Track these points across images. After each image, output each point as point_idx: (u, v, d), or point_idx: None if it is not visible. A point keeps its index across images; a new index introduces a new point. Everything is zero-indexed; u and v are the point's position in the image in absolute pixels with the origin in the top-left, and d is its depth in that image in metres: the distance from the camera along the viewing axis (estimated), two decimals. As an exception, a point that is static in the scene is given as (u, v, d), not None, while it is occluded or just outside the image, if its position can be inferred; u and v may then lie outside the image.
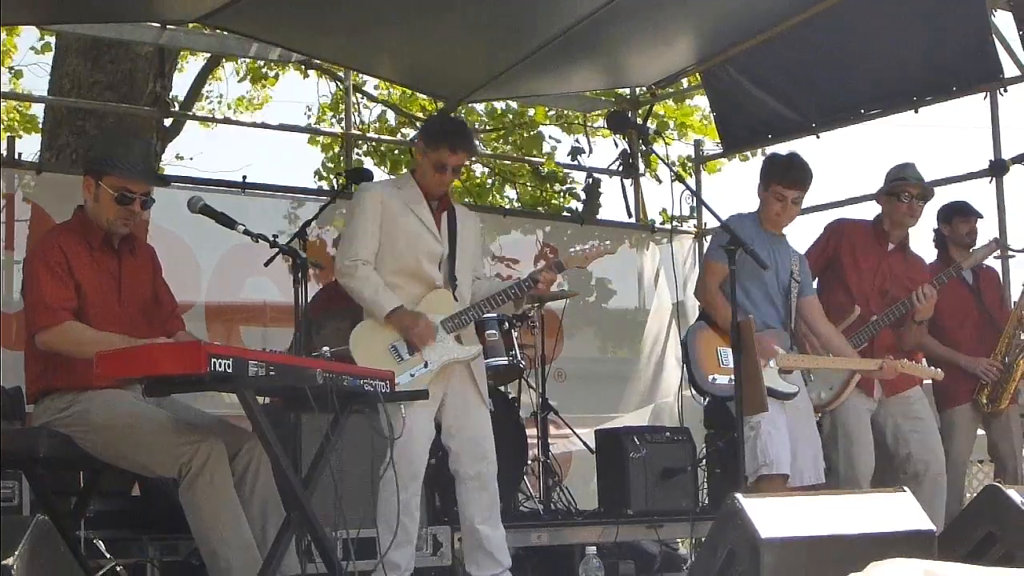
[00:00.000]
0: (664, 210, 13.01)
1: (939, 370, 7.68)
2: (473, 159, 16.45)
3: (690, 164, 13.36)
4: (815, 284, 7.86)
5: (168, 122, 13.50)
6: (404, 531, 6.45)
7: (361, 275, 6.65)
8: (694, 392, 7.41)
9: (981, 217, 8.79)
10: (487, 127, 16.50)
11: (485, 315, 7.01)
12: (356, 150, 12.70)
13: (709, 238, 7.84)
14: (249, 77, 16.62)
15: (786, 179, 7.42)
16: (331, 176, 16.90)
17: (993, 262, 9.20)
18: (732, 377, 6.54)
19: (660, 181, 12.94)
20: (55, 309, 5.71)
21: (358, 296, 6.70)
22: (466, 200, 14.34)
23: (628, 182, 12.49)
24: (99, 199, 5.93)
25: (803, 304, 7.51)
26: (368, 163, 15.63)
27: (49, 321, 5.71)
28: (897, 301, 7.92)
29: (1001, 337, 8.47)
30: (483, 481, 6.81)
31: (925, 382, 8.42)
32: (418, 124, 15.39)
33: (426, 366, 6.63)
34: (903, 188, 8.06)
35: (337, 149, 16.51)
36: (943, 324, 8.45)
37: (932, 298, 7.81)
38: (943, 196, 9.16)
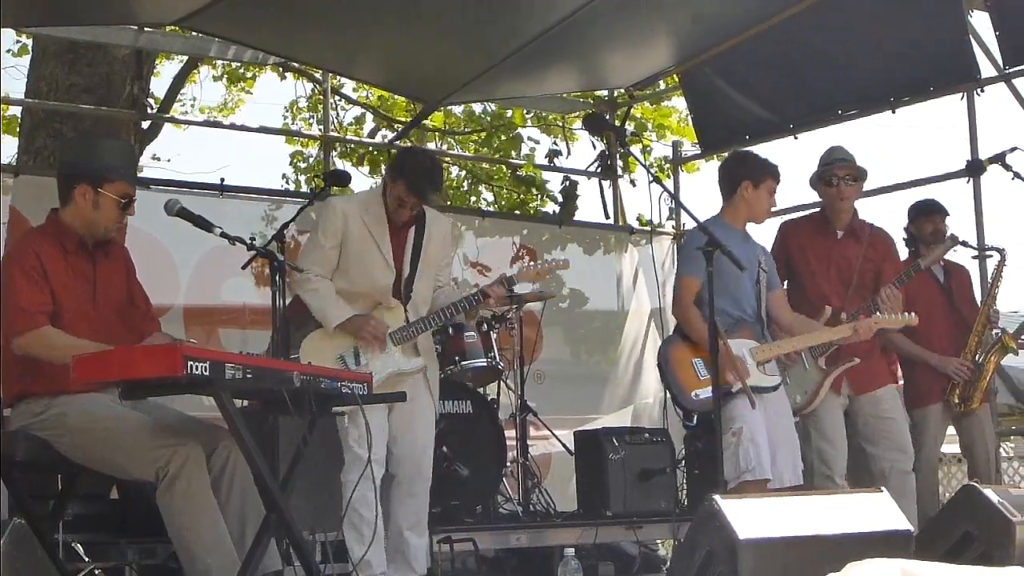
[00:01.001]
0: (641, 215, 13.03)
1: (913, 315, 7.64)
2: (449, 160, 16.49)
3: (668, 165, 13.38)
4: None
5: (146, 125, 13.45)
6: (369, 527, 6.51)
7: (312, 286, 6.75)
8: (680, 413, 7.40)
9: (946, 215, 8.78)
10: (465, 129, 16.51)
11: (433, 327, 7.02)
12: (332, 152, 12.66)
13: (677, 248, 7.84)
14: (226, 78, 16.60)
15: (776, 173, 7.57)
16: (299, 178, 16.95)
17: (969, 262, 9.24)
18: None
19: (635, 185, 12.92)
20: (32, 313, 5.70)
21: (308, 304, 6.78)
22: (445, 203, 14.32)
23: (607, 184, 12.49)
24: (99, 206, 5.92)
25: (771, 299, 7.54)
26: (346, 165, 15.60)
27: (25, 326, 5.70)
28: (863, 288, 7.94)
29: (971, 336, 8.49)
30: (415, 489, 6.91)
31: (904, 381, 8.46)
32: (396, 127, 15.39)
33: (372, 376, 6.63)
34: (831, 173, 8.04)
35: (315, 151, 16.54)
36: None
37: (896, 298, 7.81)
38: (920, 196, 9.19)
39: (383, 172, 6.91)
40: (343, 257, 6.79)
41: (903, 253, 8.60)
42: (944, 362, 8.44)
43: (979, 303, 8.74)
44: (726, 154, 9.19)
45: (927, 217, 8.74)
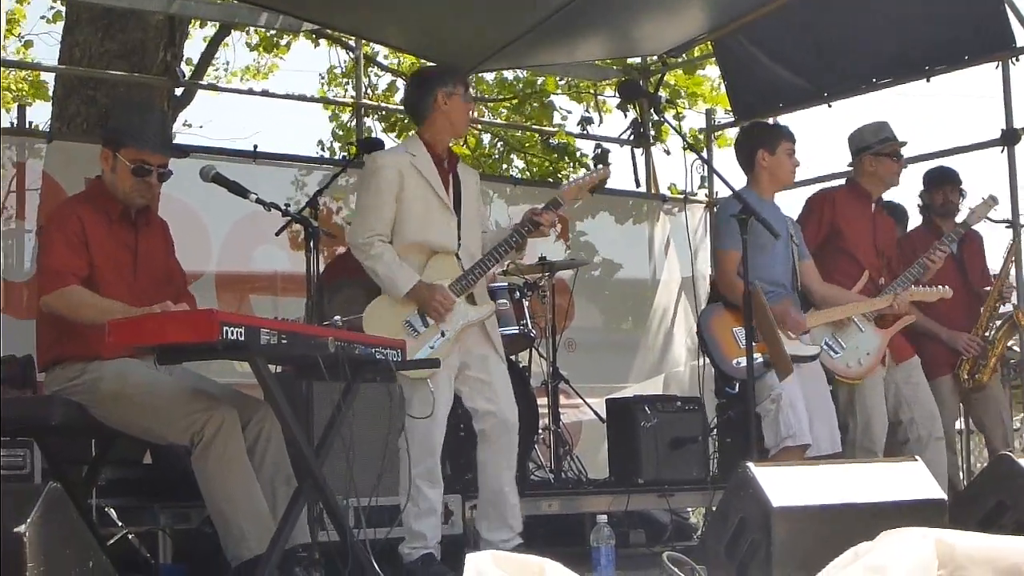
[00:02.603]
0: (673, 185, 12.99)
1: (947, 288, 7.65)
2: (480, 128, 16.45)
3: (701, 134, 13.35)
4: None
5: (179, 91, 13.46)
6: (426, 501, 6.46)
7: (376, 252, 6.52)
8: (719, 381, 7.41)
9: (959, 184, 8.78)
10: (497, 96, 16.48)
11: (489, 269, 6.87)
12: (366, 119, 12.67)
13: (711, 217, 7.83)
14: (262, 45, 16.60)
15: (788, 134, 7.61)
16: (334, 146, 16.95)
17: (1003, 231, 9.20)
18: (756, 356, 6.56)
19: (669, 152, 12.90)
20: (62, 273, 5.72)
21: (372, 272, 6.58)
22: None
23: (639, 152, 12.46)
24: (116, 170, 5.93)
25: (802, 268, 7.53)
26: (377, 131, 15.59)
27: (54, 284, 5.72)
28: (886, 258, 7.92)
29: (983, 311, 8.46)
30: (503, 444, 6.74)
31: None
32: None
33: (443, 335, 6.56)
34: (893, 148, 8.03)
35: (347, 117, 16.53)
36: None
37: (943, 258, 7.87)
38: (955, 165, 9.16)
39: (426, 101, 6.69)
40: (400, 211, 6.59)
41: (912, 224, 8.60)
42: (954, 337, 8.45)
43: (994, 275, 8.72)
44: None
45: (938, 187, 8.75)
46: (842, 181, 8.55)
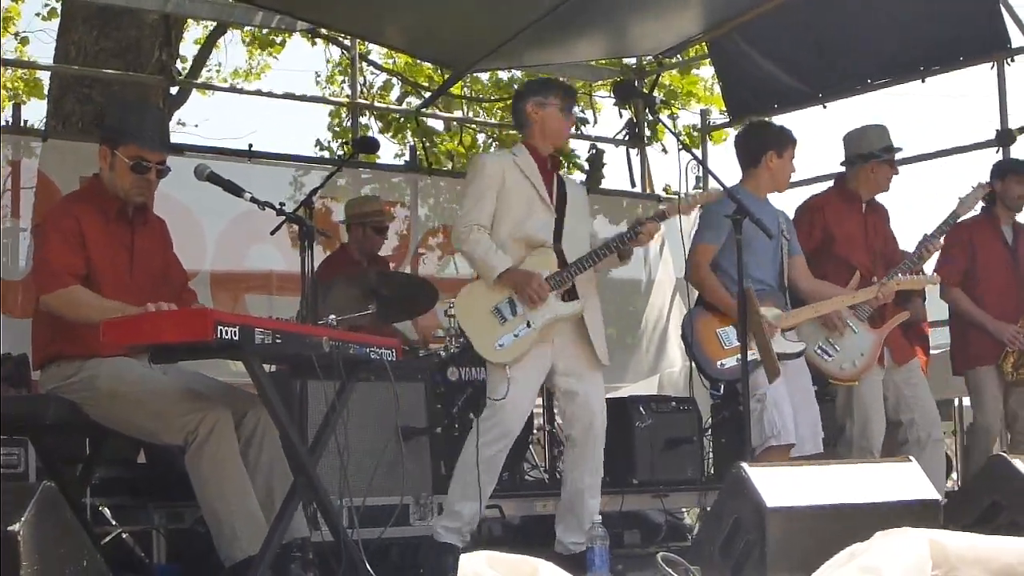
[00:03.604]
0: (668, 186, 13.00)
1: (934, 275, 7.62)
2: (475, 127, 16.46)
3: (695, 134, 13.35)
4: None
5: (174, 90, 13.46)
6: (479, 488, 6.52)
7: (474, 238, 6.64)
8: (705, 382, 7.40)
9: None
10: (491, 97, 16.48)
11: (587, 268, 6.83)
12: (361, 118, 12.68)
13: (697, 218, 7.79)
14: (256, 44, 16.59)
15: (795, 140, 7.56)
16: (331, 144, 16.95)
17: None
18: (740, 356, 6.55)
19: (666, 151, 12.91)
20: (60, 273, 5.70)
21: (470, 258, 6.75)
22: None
23: (634, 152, 12.47)
24: (115, 168, 5.92)
25: (791, 263, 7.52)
26: (375, 130, 15.61)
27: (53, 285, 5.70)
28: (883, 257, 7.90)
29: None
30: (588, 450, 6.81)
31: (933, 352, 8.40)
32: (423, 93, 15.37)
33: (529, 326, 6.60)
34: (891, 158, 8.01)
35: (342, 117, 16.54)
36: (976, 279, 8.42)
37: (937, 248, 7.84)
38: (949, 165, 9.15)
39: (526, 110, 6.91)
40: (500, 205, 6.74)
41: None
42: (1000, 328, 8.36)
43: None
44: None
45: (1018, 177, 8.61)
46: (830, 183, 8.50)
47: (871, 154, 7.94)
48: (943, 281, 8.27)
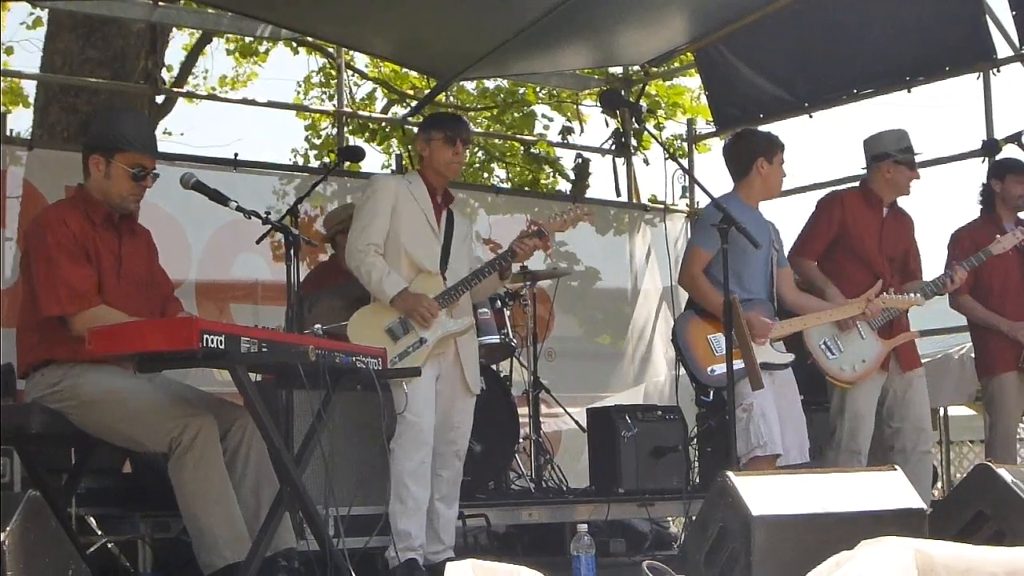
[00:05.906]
0: (654, 196, 13.00)
1: (919, 296, 7.62)
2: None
3: (682, 143, 13.37)
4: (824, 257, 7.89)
5: (160, 99, 13.45)
6: (414, 500, 6.60)
7: (370, 261, 6.80)
8: (695, 389, 7.40)
9: None
10: (477, 105, 16.49)
11: (471, 287, 7.01)
12: (346, 127, 12.68)
13: (691, 223, 7.80)
14: (240, 52, 16.58)
15: (783, 146, 7.56)
16: (308, 153, 16.94)
17: None
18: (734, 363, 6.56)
19: (648, 163, 12.89)
20: (85, 295, 5.69)
21: (366, 280, 6.84)
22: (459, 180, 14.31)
23: (620, 162, 12.48)
24: (111, 176, 5.91)
25: (778, 275, 7.52)
26: (358, 141, 15.59)
27: (77, 305, 5.67)
28: (898, 264, 7.89)
29: None
30: (448, 461, 6.92)
31: (937, 358, 8.36)
32: (408, 102, 15.37)
33: (423, 342, 6.74)
34: (911, 158, 7.99)
35: (325, 125, 16.54)
36: (988, 284, 8.36)
37: (962, 280, 7.83)
38: (935, 175, 9.14)
39: (416, 146, 7.06)
40: (392, 226, 6.91)
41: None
42: (1015, 328, 8.27)
43: None
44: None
45: (1017, 177, 8.53)
46: (825, 192, 8.49)
47: (885, 154, 7.93)
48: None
